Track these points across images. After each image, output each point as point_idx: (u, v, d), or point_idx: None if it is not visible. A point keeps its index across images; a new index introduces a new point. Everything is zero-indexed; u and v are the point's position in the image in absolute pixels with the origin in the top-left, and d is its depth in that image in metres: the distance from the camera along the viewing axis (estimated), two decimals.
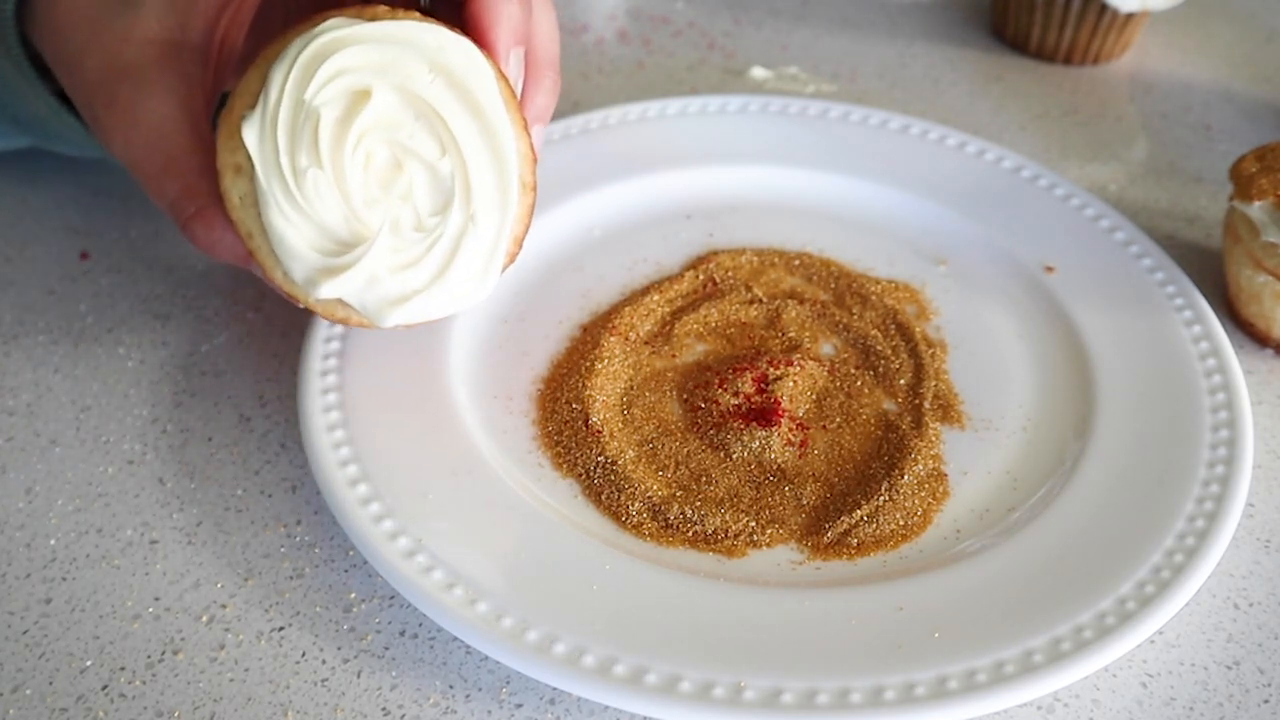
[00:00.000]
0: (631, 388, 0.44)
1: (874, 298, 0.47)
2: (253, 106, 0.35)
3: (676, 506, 0.39)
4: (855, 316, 0.46)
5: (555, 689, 0.35)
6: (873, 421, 0.42)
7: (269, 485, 0.41)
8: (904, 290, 0.48)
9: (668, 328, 0.46)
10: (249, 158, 0.34)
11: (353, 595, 0.38)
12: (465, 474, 0.39)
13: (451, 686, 0.35)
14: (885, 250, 0.50)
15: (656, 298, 0.47)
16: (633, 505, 0.39)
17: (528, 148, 0.37)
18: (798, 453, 0.41)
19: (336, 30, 0.34)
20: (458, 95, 0.35)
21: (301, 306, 0.37)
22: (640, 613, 0.35)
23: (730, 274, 0.48)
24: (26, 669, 0.35)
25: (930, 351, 0.45)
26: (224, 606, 0.37)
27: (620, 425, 0.42)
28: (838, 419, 0.42)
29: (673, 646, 0.34)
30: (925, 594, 0.36)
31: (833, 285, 0.48)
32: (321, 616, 0.37)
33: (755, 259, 0.49)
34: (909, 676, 0.33)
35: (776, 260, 0.49)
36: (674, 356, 0.45)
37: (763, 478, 0.40)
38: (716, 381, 0.43)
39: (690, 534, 0.38)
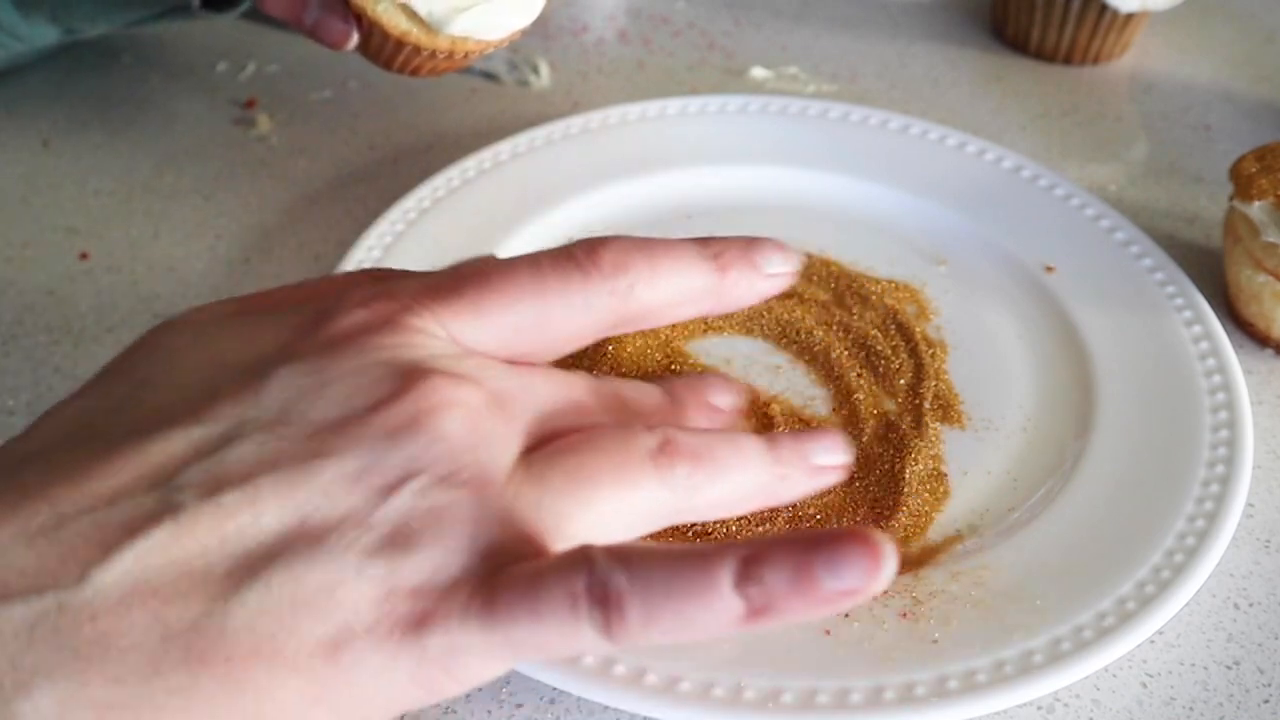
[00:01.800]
0: None
1: (874, 298, 0.47)
2: None
3: None
4: (855, 316, 0.46)
5: (555, 689, 0.35)
6: (873, 421, 0.42)
7: None
8: (904, 290, 0.48)
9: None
10: None
11: None
12: None
13: None
14: (885, 250, 0.50)
15: None
16: None
17: None
18: None
19: None
20: None
21: (354, 45, 0.43)
22: None
23: None
24: None
25: (930, 351, 0.45)
26: None
27: None
28: (838, 419, 0.42)
29: (672, 647, 0.34)
30: (925, 594, 0.36)
31: (833, 285, 0.48)
32: None
33: None
34: (909, 676, 0.33)
35: None
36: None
37: None
38: None
39: (690, 533, 0.38)
